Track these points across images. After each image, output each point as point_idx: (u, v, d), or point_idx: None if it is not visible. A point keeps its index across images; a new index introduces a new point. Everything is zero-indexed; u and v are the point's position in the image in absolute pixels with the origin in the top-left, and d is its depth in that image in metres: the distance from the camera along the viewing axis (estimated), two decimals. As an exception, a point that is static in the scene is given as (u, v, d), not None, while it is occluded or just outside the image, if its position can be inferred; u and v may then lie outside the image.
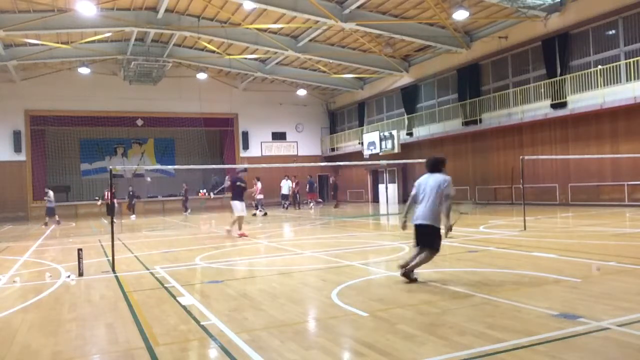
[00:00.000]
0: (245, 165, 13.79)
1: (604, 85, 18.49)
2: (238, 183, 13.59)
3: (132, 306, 5.84)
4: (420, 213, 6.49)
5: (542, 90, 20.93)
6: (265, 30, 24.96)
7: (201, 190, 34.01)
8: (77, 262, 8.24)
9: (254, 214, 22.47)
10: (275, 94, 35.52)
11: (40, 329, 5.05)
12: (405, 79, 29.78)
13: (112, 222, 9.11)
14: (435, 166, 6.64)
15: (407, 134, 28.85)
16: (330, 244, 11.28)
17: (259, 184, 23.74)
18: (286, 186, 27.74)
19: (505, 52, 23.25)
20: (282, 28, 24.79)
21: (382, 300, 5.63)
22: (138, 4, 22.58)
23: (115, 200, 21.71)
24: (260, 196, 23.65)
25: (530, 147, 21.93)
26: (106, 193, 23.10)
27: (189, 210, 27.50)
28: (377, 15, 23.01)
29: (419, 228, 6.53)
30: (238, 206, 13.40)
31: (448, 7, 21.31)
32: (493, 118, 23.25)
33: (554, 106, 20.34)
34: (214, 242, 12.72)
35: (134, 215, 25.40)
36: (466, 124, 24.70)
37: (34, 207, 28.91)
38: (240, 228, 13.40)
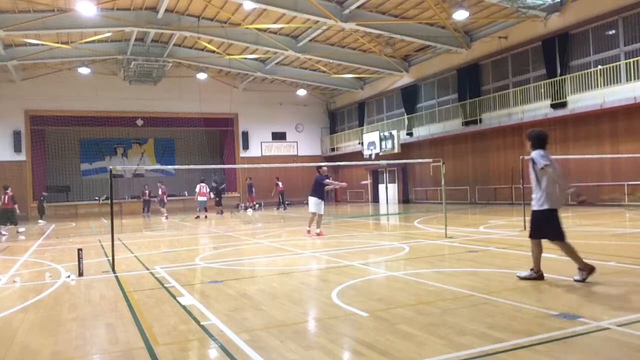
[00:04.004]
0: (324, 165, 13.54)
1: (604, 85, 18.49)
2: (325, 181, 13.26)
3: (132, 306, 5.84)
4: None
5: (542, 90, 20.93)
6: (265, 30, 24.96)
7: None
8: (77, 262, 8.23)
9: (205, 217, 23.06)
10: (275, 94, 35.53)
11: (40, 329, 5.04)
12: (405, 79, 29.78)
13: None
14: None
15: (407, 134, 28.85)
16: (330, 244, 11.27)
17: (201, 186, 24.09)
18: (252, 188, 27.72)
19: (505, 52, 23.25)
20: (282, 28, 24.79)
21: (382, 300, 5.63)
22: (138, 4, 22.58)
23: (14, 205, 18.15)
24: (203, 198, 23.87)
25: (530, 147, 21.90)
26: (5, 197, 18.15)
27: (149, 213, 26.63)
28: (377, 15, 23.01)
29: (556, 213, 6.13)
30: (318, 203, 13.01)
31: (448, 7, 21.32)
32: (493, 118, 23.25)
33: (554, 106, 20.34)
34: (214, 242, 12.72)
35: (42, 221, 24.51)
36: (466, 124, 24.71)
37: (34, 207, 28.88)
38: (318, 226, 12.93)
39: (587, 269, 6.02)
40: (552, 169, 6.06)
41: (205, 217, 23.27)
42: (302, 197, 35.13)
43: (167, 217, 23.87)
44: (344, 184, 14.81)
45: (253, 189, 27.93)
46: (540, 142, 6.27)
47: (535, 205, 6.19)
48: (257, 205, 28.07)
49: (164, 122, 33.67)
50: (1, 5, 20.72)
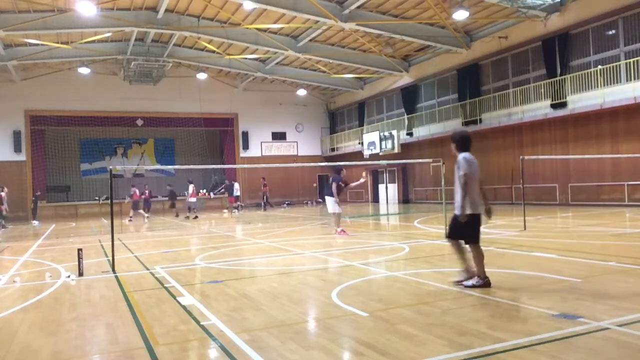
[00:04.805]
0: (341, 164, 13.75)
1: (604, 85, 18.48)
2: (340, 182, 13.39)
3: (132, 306, 5.84)
4: (478, 200, 5.94)
5: (542, 90, 20.93)
6: (265, 30, 24.95)
7: (201, 190, 34.06)
8: (77, 262, 8.24)
9: (187, 217, 23.36)
10: (275, 94, 35.53)
11: (40, 329, 5.05)
12: (405, 79, 29.77)
13: (112, 223, 9.11)
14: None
15: (407, 134, 28.85)
16: (330, 244, 11.27)
17: (193, 187, 24.25)
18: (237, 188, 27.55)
19: (505, 52, 23.25)
20: (282, 28, 24.79)
21: (382, 300, 5.63)
22: (138, 4, 22.57)
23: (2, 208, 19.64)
24: (193, 199, 24.00)
25: (530, 147, 21.92)
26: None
27: (147, 215, 24.00)
28: (377, 15, 23.01)
29: (478, 218, 6.03)
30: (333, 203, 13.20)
31: (448, 7, 21.31)
32: (493, 118, 23.24)
33: (554, 106, 20.33)
34: (214, 242, 12.72)
35: (36, 221, 24.79)
36: (466, 124, 24.69)
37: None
38: (337, 225, 13.10)
39: (484, 280, 5.95)
40: (467, 179, 5.87)
41: (196, 217, 23.43)
42: (302, 198, 35.27)
43: (130, 220, 23.06)
44: (351, 184, 14.84)
45: (234, 190, 27.52)
46: (464, 143, 6.10)
47: (458, 209, 5.99)
48: (239, 208, 27.73)
49: (164, 122, 33.67)
50: (1, 5, 20.71)
